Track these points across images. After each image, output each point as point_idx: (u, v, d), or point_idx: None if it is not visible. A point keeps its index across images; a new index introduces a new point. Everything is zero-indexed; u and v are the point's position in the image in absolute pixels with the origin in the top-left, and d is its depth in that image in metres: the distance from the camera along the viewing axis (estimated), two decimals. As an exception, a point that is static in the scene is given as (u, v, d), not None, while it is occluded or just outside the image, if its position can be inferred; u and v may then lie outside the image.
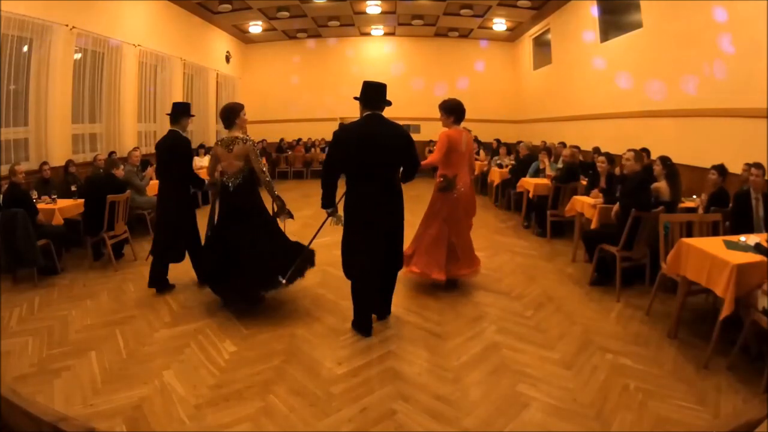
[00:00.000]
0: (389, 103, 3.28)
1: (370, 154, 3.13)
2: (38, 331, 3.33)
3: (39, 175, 5.55)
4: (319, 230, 3.61)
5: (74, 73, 6.71)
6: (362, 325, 3.32)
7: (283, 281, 3.48)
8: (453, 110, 3.95)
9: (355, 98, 3.26)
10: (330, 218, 3.39)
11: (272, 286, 3.53)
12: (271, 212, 3.78)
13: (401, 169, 3.36)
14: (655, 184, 4.20)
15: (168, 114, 4.16)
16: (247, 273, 3.51)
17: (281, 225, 3.79)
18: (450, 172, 3.93)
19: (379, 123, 3.20)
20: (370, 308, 3.38)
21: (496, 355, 3.03)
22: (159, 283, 4.11)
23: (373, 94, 3.23)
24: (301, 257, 3.59)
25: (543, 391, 2.61)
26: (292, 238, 3.79)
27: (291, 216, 3.79)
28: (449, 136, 3.89)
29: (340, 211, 3.33)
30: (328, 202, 3.28)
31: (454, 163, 3.94)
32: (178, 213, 4.06)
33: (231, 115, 3.71)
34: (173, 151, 4.03)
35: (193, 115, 4.30)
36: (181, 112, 4.11)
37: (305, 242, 3.72)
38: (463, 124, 4.05)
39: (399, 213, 3.36)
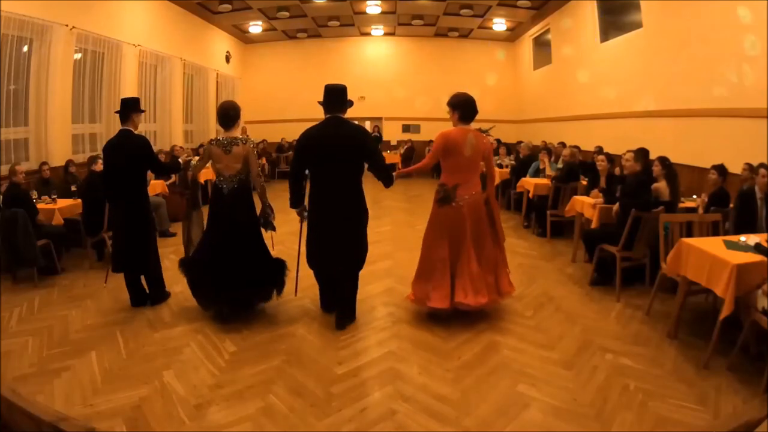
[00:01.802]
0: (351, 104, 3.41)
1: (326, 155, 3.27)
2: (38, 331, 3.33)
3: (39, 175, 5.55)
4: (300, 235, 3.59)
5: (74, 73, 6.71)
6: (324, 306, 3.68)
7: (258, 307, 3.66)
8: (457, 105, 3.45)
9: (319, 102, 3.38)
10: (300, 217, 3.57)
11: (249, 305, 3.60)
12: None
13: (371, 171, 3.47)
14: (654, 185, 4.20)
15: (116, 112, 3.73)
16: (233, 286, 3.42)
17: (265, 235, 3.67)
18: (450, 180, 3.40)
19: (337, 125, 3.31)
20: (327, 291, 3.65)
21: (496, 355, 3.03)
22: (144, 296, 3.83)
23: (333, 98, 3.35)
24: (275, 280, 3.60)
25: (543, 391, 2.61)
26: (293, 236, 3.76)
27: (274, 229, 3.64)
28: (446, 137, 3.38)
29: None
30: (295, 202, 3.48)
31: (456, 170, 3.39)
32: (143, 219, 3.73)
33: (233, 114, 3.54)
34: (134, 154, 3.60)
35: (143, 111, 3.90)
36: (132, 108, 3.70)
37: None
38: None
39: (354, 213, 3.38)
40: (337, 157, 3.28)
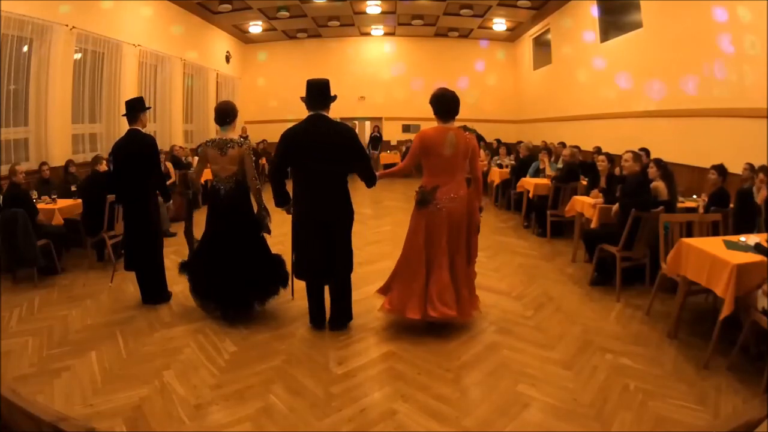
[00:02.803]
0: (334, 98, 3.26)
1: (309, 154, 3.16)
2: (38, 331, 3.33)
3: (39, 175, 5.55)
4: (293, 238, 3.57)
5: (74, 73, 6.71)
6: (313, 320, 3.45)
7: (258, 307, 3.59)
8: (432, 102, 3.27)
9: (301, 98, 3.27)
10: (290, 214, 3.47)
11: (248, 305, 3.55)
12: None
13: (355, 171, 3.35)
14: (653, 183, 4.21)
15: (123, 115, 3.80)
16: (231, 287, 3.42)
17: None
18: (430, 182, 3.23)
19: (319, 123, 3.19)
20: (316, 305, 3.43)
21: (496, 355, 3.03)
22: (157, 294, 3.90)
23: (316, 94, 3.22)
24: (277, 277, 3.60)
25: (543, 391, 2.61)
26: (289, 236, 3.75)
27: (269, 231, 3.62)
28: (422, 137, 3.21)
29: None
30: (280, 201, 3.40)
31: (436, 171, 3.22)
32: (153, 217, 3.80)
33: (231, 113, 3.55)
34: (144, 153, 3.69)
35: (149, 107, 3.94)
36: (138, 108, 3.76)
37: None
38: (460, 124, 3.52)
39: (341, 215, 3.27)
40: (323, 157, 3.14)
